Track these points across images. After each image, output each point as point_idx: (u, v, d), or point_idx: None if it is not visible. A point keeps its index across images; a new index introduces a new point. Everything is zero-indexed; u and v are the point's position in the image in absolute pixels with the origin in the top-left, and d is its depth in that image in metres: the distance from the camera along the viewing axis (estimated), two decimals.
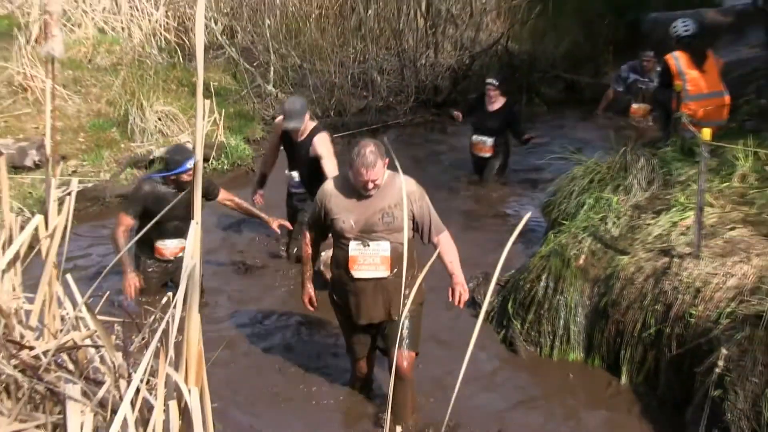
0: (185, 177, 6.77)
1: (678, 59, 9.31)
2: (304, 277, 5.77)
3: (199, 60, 2.77)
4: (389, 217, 5.27)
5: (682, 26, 9.51)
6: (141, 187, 6.93)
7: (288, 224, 7.79)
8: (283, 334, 7.12)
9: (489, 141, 9.88)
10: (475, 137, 9.98)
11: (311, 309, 5.88)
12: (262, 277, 8.11)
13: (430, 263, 3.18)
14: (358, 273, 5.30)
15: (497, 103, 9.84)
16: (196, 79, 2.76)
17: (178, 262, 6.85)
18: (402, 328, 5.34)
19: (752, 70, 11.14)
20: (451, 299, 5.52)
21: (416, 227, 5.46)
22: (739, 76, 11.23)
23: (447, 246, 5.50)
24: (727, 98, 9.33)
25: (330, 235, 5.56)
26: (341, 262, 5.39)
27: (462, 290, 5.47)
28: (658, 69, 10.12)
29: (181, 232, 6.81)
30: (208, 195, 7.19)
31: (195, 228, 2.90)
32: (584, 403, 6.19)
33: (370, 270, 5.30)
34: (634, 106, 10.76)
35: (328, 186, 5.43)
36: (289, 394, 6.17)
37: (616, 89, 11.10)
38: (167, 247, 6.94)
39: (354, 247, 5.27)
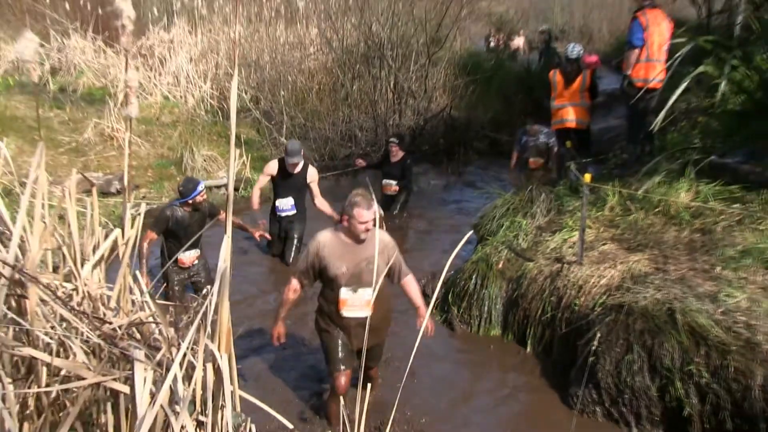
0: (199, 198, 6.62)
1: (556, 75, 9.45)
2: (278, 316, 5.01)
3: (233, 119, 2.80)
4: (373, 265, 4.67)
5: (570, 50, 9.62)
6: (164, 212, 6.66)
7: (267, 235, 7.65)
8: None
9: (393, 183, 9.70)
10: (384, 181, 9.78)
11: (277, 344, 5.08)
12: (259, 276, 8.08)
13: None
14: (346, 313, 4.78)
15: (397, 156, 9.63)
16: (230, 132, 2.78)
17: (193, 269, 6.84)
18: (373, 352, 5.00)
19: (617, 135, 11.24)
20: (420, 327, 4.91)
21: (390, 272, 4.92)
22: (608, 138, 11.35)
23: (413, 286, 5.05)
24: (582, 108, 9.51)
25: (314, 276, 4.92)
26: (332, 301, 4.82)
27: (429, 323, 4.93)
28: (544, 131, 10.19)
29: (194, 245, 6.72)
30: (214, 214, 6.93)
31: (226, 240, 2.90)
32: (501, 366, 6.22)
33: (356, 310, 4.75)
34: (531, 159, 10.69)
35: (322, 238, 4.78)
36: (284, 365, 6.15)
37: (517, 149, 11.04)
38: (186, 256, 6.74)
39: (344, 292, 4.73)
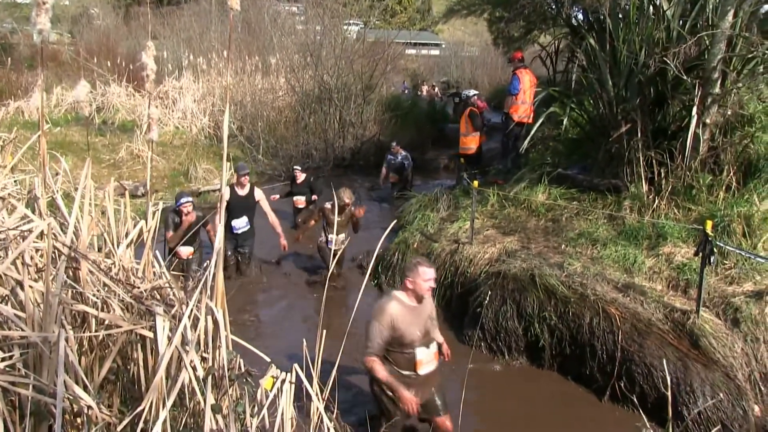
0: (182, 209, 6.23)
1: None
2: (395, 388, 3.57)
3: (225, 142, 2.77)
4: (433, 320, 3.85)
5: (465, 93, 9.77)
6: (168, 215, 6.24)
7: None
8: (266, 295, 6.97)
9: (302, 198, 8.94)
10: (295, 198, 8.98)
11: (416, 412, 3.59)
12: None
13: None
14: (423, 370, 3.70)
15: (301, 178, 8.95)
16: (223, 152, 2.77)
17: (187, 261, 6.46)
18: (438, 399, 3.84)
19: (495, 154, 11.44)
20: (443, 357, 4.07)
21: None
22: (489, 156, 11.55)
23: (438, 332, 4.01)
24: (464, 137, 9.45)
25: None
26: (407, 365, 3.68)
27: (449, 351, 4.15)
28: (402, 153, 10.53)
29: (189, 243, 6.35)
30: (205, 224, 6.46)
31: (220, 228, 2.85)
32: None
33: (430, 365, 3.74)
34: (391, 174, 10.81)
35: (391, 311, 3.64)
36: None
37: (385, 165, 11.03)
38: (182, 251, 6.34)
39: (420, 352, 3.67)
